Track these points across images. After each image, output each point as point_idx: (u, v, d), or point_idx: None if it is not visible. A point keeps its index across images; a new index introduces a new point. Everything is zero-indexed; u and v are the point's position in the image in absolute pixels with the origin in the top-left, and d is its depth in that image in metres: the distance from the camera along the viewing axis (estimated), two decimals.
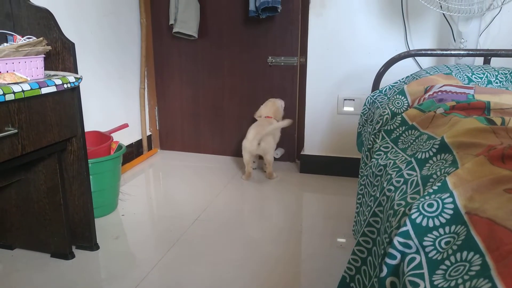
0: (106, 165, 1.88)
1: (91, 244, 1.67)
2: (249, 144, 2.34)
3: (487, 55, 1.64)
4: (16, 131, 1.25)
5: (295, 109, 2.67)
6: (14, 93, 1.22)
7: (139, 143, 2.83)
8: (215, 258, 1.62)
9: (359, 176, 1.32)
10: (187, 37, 2.65)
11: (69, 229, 1.62)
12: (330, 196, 2.24)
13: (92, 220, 1.67)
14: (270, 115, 2.48)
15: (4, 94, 1.19)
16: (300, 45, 2.55)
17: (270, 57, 2.61)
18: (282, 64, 2.60)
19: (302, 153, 2.56)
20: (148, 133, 2.93)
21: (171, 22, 2.60)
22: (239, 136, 2.82)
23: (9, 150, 1.25)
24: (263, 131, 2.31)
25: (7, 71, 1.31)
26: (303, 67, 2.52)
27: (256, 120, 2.52)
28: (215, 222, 1.92)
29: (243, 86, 2.73)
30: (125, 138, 2.55)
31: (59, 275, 1.50)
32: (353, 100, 2.40)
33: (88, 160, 1.65)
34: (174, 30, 2.60)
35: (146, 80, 2.83)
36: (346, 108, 2.43)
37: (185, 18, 2.56)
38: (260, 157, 2.52)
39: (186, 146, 2.97)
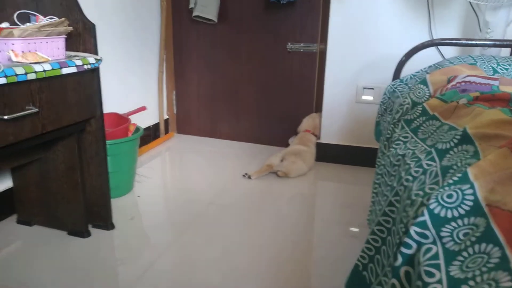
0: (124, 147, 1.91)
1: (106, 224, 1.70)
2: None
3: None
4: (37, 110, 1.27)
5: (313, 96, 2.64)
6: (35, 72, 1.24)
7: (156, 126, 2.85)
8: (228, 242, 1.63)
9: (376, 165, 1.30)
10: (207, 21, 2.64)
11: (86, 208, 1.65)
12: (345, 185, 2.23)
13: (109, 200, 1.69)
14: (309, 129, 2.54)
15: (26, 73, 1.20)
16: (321, 32, 2.51)
17: (289, 43, 2.58)
18: (302, 50, 2.57)
19: (318, 141, 2.55)
20: (166, 116, 2.95)
21: (191, 5, 2.58)
22: (256, 122, 2.82)
23: (29, 128, 1.27)
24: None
25: (29, 51, 1.32)
26: (323, 54, 2.48)
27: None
28: (230, 207, 1.93)
29: (261, 71, 2.71)
30: (142, 121, 2.57)
31: (75, 252, 1.54)
32: (373, 89, 2.36)
33: (106, 141, 1.67)
34: (193, 14, 2.59)
35: (165, 64, 2.84)
36: (365, 97, 2.40)
37: (205, 2, 2.55)
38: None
39: (202, 131, 2.98)
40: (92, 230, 1.69)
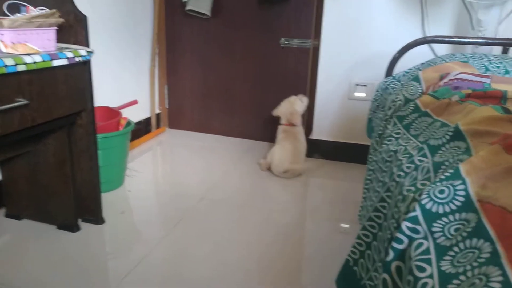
0: (115, 141, 1.89)
1: (97, 218, 1.69)
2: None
3: (506, 44, 1.60)
4: (27, 102, 1.26)
5: (306, 93, 2.64)
6: (25, 64, 1.22)
7: (147, 120, 2.83)
8: (219, 237, 1.63)
9: (368, 161, 1.31)
10: (200, 15, 2.62)
11: (76, 202, 1.63)
12: (336, 182, 2.24)
13: (99, 194, 1.68)
14: (286, 122, 2.33)
15: (16, 65, 1.18)
16: (314, 28, 2.51)
17: (282, 39, 2.58)
18: (295, 46, 2.57)
19: (310, 137, 2.55)
20: (157, 111, 2.93)
21: None
22: (248, 118, 2.81)
23: (19, 121, 1.25)
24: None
25: (19, 42, 1.30)
26: (316, 50, 2.48)
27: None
28: (221, 202, 1.93)
29: (254, 66, 2.70)
30: (134, 115, 2.55)
31: (65, 247, 1.52)
32: (365, 85, 2.37)
33: (97, 135, 1.65)
34: (186, 8, 2.57)
35: (157, 58, 2.82)
36: (357, 94, 2.40)
37: None
38: None
39: (194, 126, 2.97)
40: (82, 224, 1.67)
